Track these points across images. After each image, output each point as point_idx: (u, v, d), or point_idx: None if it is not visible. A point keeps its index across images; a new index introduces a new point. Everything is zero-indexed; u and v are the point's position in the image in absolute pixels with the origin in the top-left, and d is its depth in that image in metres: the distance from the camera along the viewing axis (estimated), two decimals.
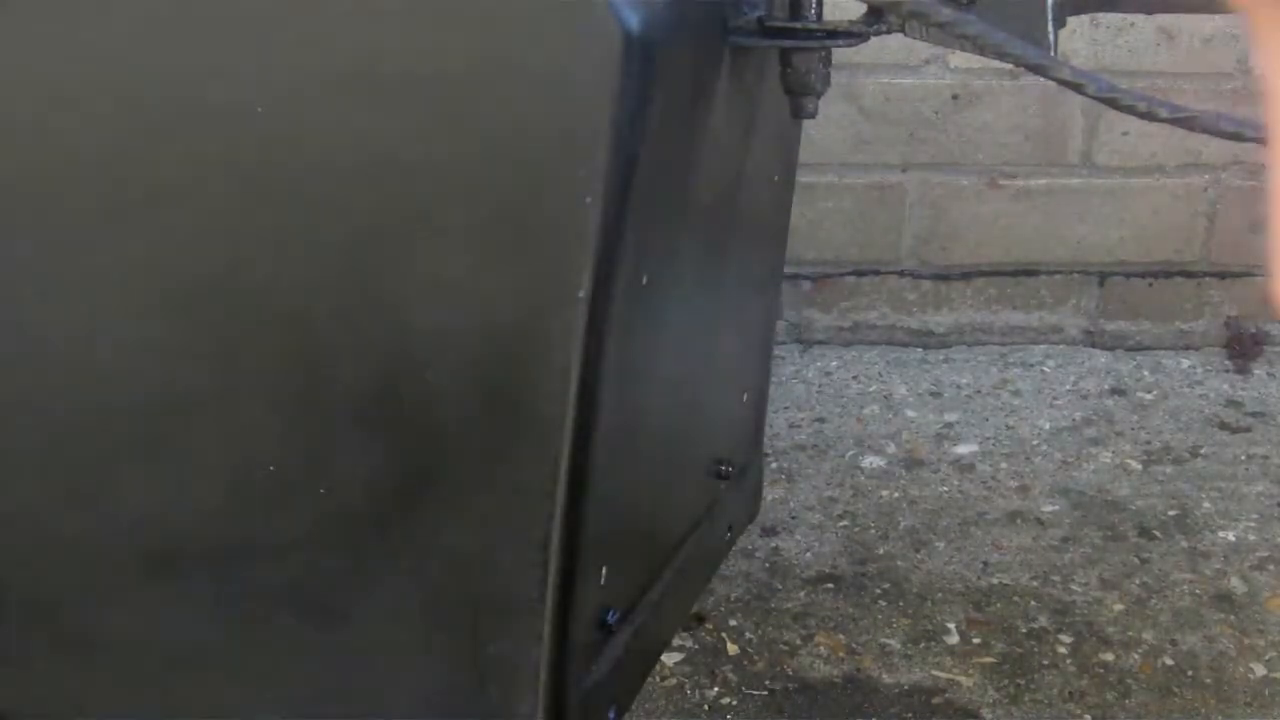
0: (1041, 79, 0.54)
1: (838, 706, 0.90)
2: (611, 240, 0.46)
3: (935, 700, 0.88)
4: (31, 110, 0.47)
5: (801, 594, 1.02)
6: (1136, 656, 0.98)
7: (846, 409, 1.42)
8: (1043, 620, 1.01)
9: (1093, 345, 1.66)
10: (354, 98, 0.45)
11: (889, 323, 1.58)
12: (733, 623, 0.98)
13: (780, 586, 1.04)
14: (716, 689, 0.91)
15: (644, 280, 0.50)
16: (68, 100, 0.47)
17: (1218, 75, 1.50)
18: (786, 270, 0.91)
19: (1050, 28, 0.59)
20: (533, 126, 0.44)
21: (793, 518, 1.13)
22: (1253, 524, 1.17)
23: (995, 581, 1.05)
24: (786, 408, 1.39)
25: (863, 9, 0.60)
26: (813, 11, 0.59)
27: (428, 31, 0.44)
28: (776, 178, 0.73)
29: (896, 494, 1.17)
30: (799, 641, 0.96)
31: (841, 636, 0.98)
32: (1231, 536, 1.15)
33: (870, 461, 1.24)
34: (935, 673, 0.92)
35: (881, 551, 1.09)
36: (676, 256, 0.55)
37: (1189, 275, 1.67)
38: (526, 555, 0.48)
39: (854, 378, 1.50)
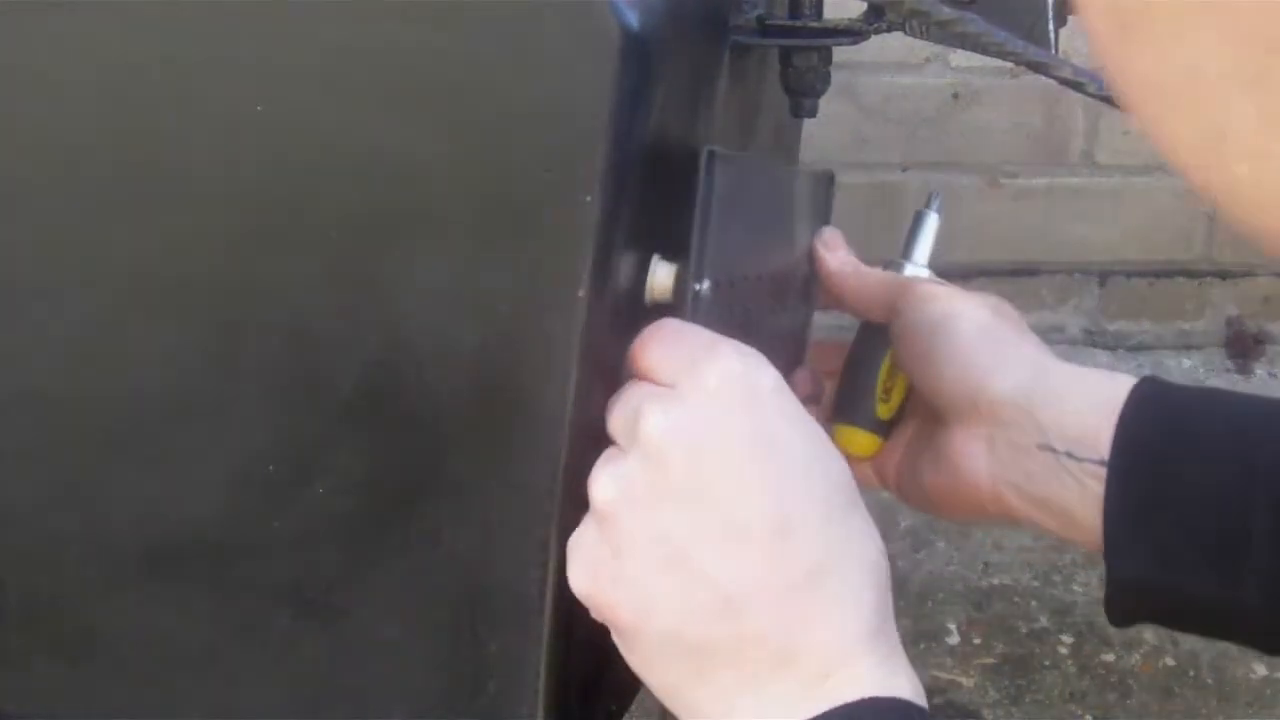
0: (1042, 78, 0.54)
1: None
2: (612, 239, 0.46)
3: (936, 700, 0.88)
4: (27, 108, 0.47)
5: None
6: (1138, 656, 0.98)
7: None
8: (1044, 620, 1.01)
9: (1094, 345, 1.66)
10: (351, 96, 0.45)
11: None
12: None
13: None
14: None
15: None
16: (64, 99, 0.47)
17: None
18: None
19: (1051, 26, 0.59)
20: (531, 125, 0.44)
21: None
22: None
23: (996, 581, 1.05)
24: None
25: (863, 8, 0.60)
26: (812, 10, 0.59)
27: (425, 30, 0.44)
28: None
29: None
30: None
31: None
32: None
33: None
34: (936, 673, 0.92)
35: None
36: None
37: (1190, 275, 1.67)
38: (526, 555, 0.48)
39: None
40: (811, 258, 0.66)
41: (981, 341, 0.61)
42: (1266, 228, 0.25)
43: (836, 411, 0.67)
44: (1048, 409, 0.58)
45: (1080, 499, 0.58)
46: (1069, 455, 0.58)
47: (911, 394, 0.66)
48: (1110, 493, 0.56)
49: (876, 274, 0.66)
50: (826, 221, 0.69)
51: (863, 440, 0.66)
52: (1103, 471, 0.57)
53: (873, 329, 0.65)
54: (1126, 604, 0.58)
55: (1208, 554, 0.55)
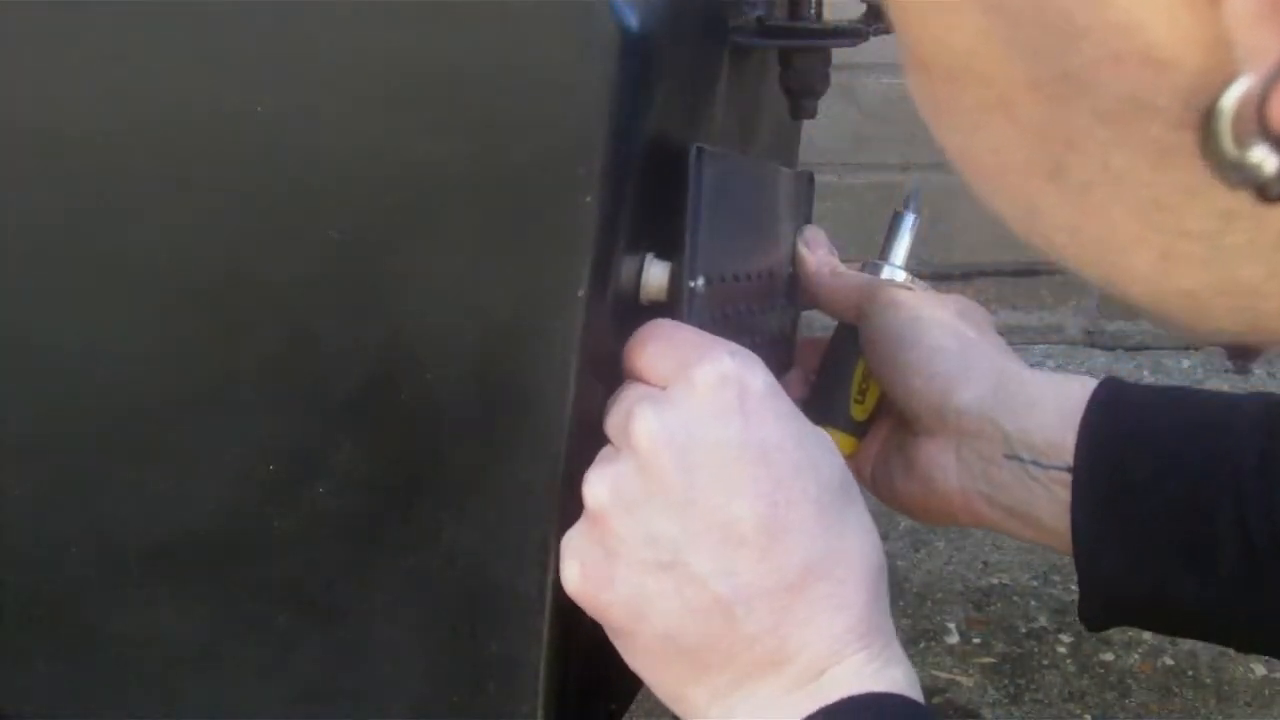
0: None
1: None
2: (611, 239, 0.46)
3: (935, 700, 0.88)
4: (28, 108, 0.47)
5: None
6: (1136, 656, 0.98)
7: None
8: (1043, 620, 1.01)
9: (1093, 345, 1.66)
10: (351, 97, 0.45)
11: None
12: None
13: None
14: None
15: None
16: (64, 98, 0.47)
17: None
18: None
19: None
20: (531, 125, 0.44)
21: None
22: None
23: (995, 581, 1.05)
24: None
25: (863, 8, 0.60)
26: (812, 11, 0.59)
27: (424, 30, 0.44)
28: None
29: None
30: None
31: None
32: None
33: None
34: (935, 673, 0.93)
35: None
36: None
37: None
38: (526, 555, 0.49)
39: None
40: (794, 257, 0.66)
41: (946, 352, 0.61)
42: (1094, 280, 0.27)
43: (812, 411, 0.67)
44: (1012, 418, 0.59)
45: (1049, 506, 0.58)
46: (1035, 464, 0.58)
47: (885, 396, 0.66)
48: (1076, 499, 0.57)
49: (851, 276, 0.66)
50: (808, 221, 0.69)
51: (837, 441, 0.66)
52: (1066, 477, 0.57)
53: (849, 329, 0.65)
54: (1098, 608, 0.59)
55: (1175, 557, 0.55)
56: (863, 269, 0.67)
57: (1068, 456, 0.57)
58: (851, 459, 0.66)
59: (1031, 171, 0.25)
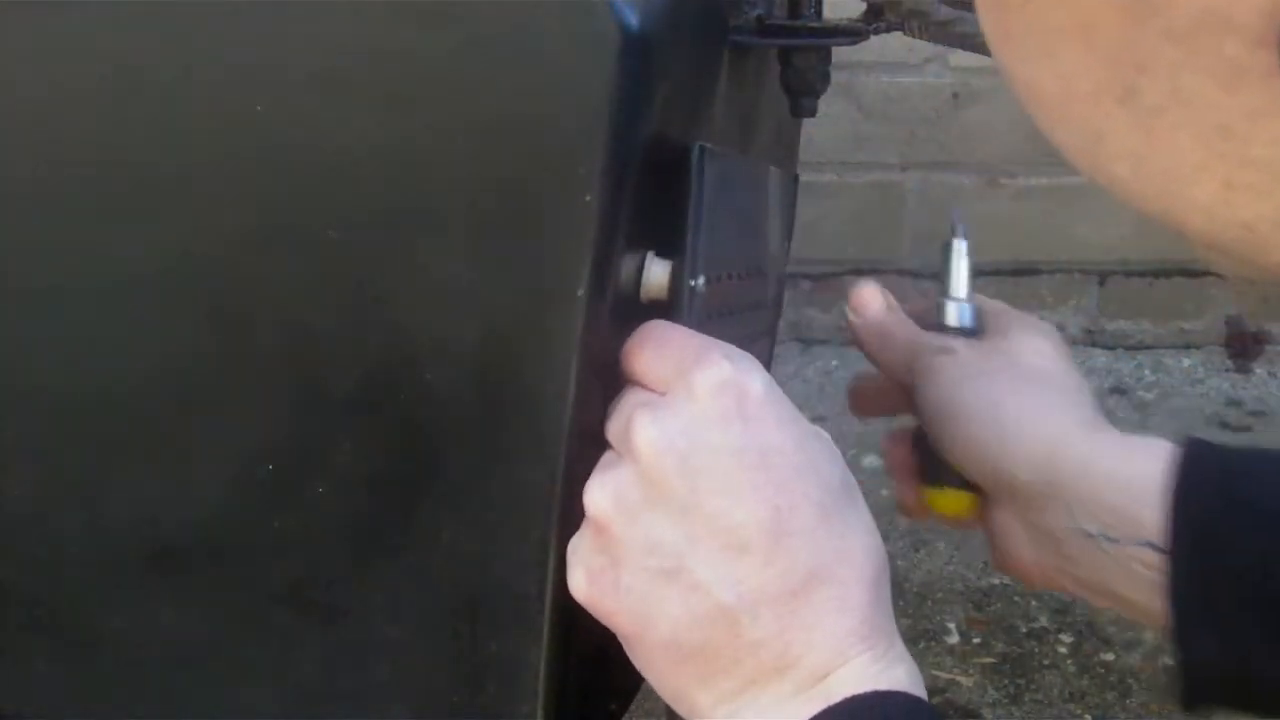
0: None
1: None
2: (611, 239, 0.46)
3: (935, 700, 0.88)
4: (28, 108, 0.47)
5: None
6: (1137, 656, 0.98)
7: (846, 408, 1.41)
8: (1043, 620, 1.01)
9: (1093, 344, 1.66)
10: (351, 96, 0.45)
11: None
12: None
13: None
14: None
15: None
16: (64, 98, 0.47)
17: None
18: (787, 269, 0.91)
19: None
20: (531, 125, 0.44)
21: None
22: None
23: (995, 581, 1.05)
24: None
25: (863, 8, 0.60)
26: (812, 10, 0.59)
27: (425, 30, 0.44)
28: None
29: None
30: None
31: None
32: None
33: (870, 461, 1.24)
34: (935, 672, 0.93)
35: None
36: None
37: (1189, 274, 1.67)
38: (526, 555, 0.49)
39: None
40: (778, 276, 0.65)
41: (989, 422, 0.58)
42: (1152, 214, 0.27)
43: (926, 475, 0.63)
44: (1071, 490, 0.56)
45: (1129, 582, 0.55)
46: (1106, 538, 0.55)
47: None
48: (1175, 577, 0.53)
49: (899, 338, 0.64)
50: (792, 222, 0.69)
51: (952, 500, 0.61)
52: (1148, 554, 0.54)
53: None
54: (1199, 689, 0.55)
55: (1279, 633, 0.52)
56: (927, 308, 0.65)
57: (1145, 532, 0.54)
58: (978, 520, 0.61)
59: (1101, 96, 0.25)
